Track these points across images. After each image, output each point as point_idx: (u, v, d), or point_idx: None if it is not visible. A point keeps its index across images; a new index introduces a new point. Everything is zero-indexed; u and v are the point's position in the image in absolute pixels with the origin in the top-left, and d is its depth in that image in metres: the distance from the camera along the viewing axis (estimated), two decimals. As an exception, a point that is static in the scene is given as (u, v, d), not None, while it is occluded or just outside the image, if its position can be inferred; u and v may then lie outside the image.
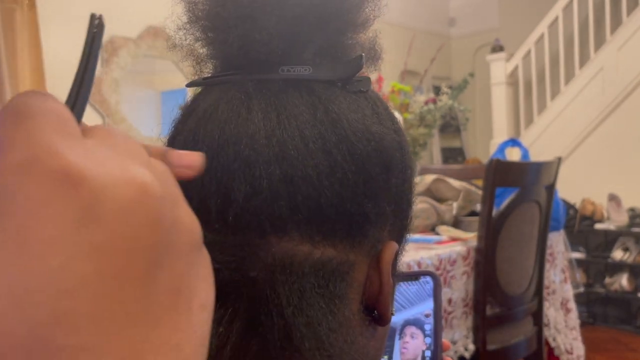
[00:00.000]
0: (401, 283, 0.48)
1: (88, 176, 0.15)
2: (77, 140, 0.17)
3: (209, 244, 0.31)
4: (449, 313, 1.73)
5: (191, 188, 0.32)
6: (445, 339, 0.48)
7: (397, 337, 0.48)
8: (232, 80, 0.35)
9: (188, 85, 0.37)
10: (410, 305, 0.48)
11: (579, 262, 3.88)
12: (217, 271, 0.34)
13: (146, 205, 0.16)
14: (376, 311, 0.36)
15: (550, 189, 1.98)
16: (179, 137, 0.35)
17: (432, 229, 2.03)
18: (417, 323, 0.47)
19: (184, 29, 0.36)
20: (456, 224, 2.08)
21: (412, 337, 0.47)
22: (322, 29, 0.35)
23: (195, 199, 0.32)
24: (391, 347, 0.47)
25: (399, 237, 0.38)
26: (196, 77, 0.37)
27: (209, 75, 0.37)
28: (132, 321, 0.15)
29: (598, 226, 3.93)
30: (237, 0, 0.35)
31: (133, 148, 0.18)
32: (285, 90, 0.34)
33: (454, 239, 1.89)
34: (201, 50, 0.37)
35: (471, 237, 1.87)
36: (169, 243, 0.17)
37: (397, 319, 0.47)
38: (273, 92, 0.34)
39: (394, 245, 0.36)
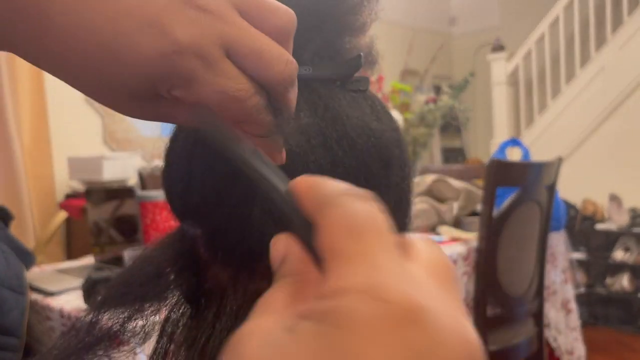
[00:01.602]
0: None
1: (427, 319, 0.15)
2: (404, 265, 0.17)
3: (208, 234, 0.33)
4: (450, 314, 1.73)
5: (191, 181, 0.34)
6: None
7: None
8: None
9: None
10: None
11: (579, 262, 3.87)
12: (207, 266, 0.34)
13: None
14: None
15: (551, 189, 1.97)
16: (181, 135, 0.36)
17: (433, 230, 2.02)
18: None
19: None
20: (457, 224, 2.08)
21: None
22: (320, 30, 0.36)
23: (194, 192, 0.33)
24: None
25: None
26: None
27: None
28: None
29: (599, 226, 3.93)
30: None
31: (453, 281, 0.19)
32: None
33: (454, 240, 1.89)
34: None
35: (472, 238, 1.87)
36: None
37: None
38: None
39: None
